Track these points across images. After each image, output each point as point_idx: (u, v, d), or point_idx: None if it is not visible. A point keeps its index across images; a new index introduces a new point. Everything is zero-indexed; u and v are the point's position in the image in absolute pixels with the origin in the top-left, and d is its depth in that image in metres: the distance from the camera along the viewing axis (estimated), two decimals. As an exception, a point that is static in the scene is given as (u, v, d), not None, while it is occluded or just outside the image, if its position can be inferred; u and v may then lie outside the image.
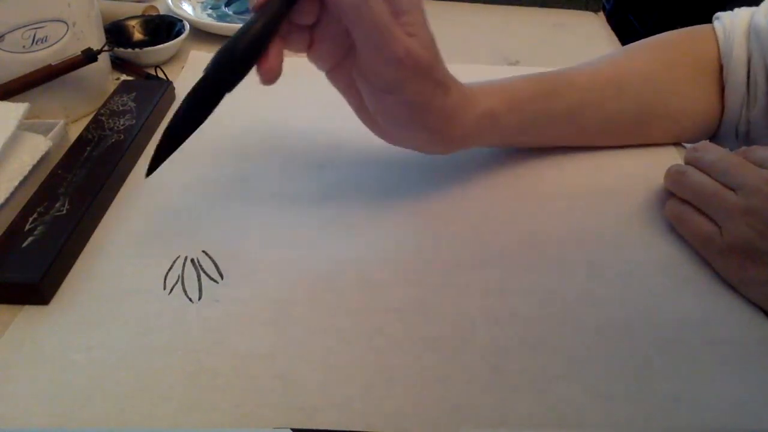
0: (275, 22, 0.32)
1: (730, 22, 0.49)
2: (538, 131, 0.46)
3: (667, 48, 0.50)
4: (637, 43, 0.51)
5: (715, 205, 0.37)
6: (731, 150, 0.39)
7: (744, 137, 0.50)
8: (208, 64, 0.32)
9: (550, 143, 0.48)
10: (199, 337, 0.33)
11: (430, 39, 0.36)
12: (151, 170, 0.34)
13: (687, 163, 0.41)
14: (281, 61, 0.33)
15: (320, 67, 0.37)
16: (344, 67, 0.37)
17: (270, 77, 0.33)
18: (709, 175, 0.38)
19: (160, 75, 0.59)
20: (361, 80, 0.37)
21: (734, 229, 0.36)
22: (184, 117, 0.33)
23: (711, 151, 0.39)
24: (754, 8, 0.49)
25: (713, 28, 0.50)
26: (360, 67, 0.36)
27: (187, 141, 0.50)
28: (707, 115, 0.50)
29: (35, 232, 0.37)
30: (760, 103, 0.47)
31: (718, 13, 0.51)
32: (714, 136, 0.51)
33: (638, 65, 0.48)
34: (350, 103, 0.39)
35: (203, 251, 0.38)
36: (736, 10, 0.50)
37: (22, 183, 0.40)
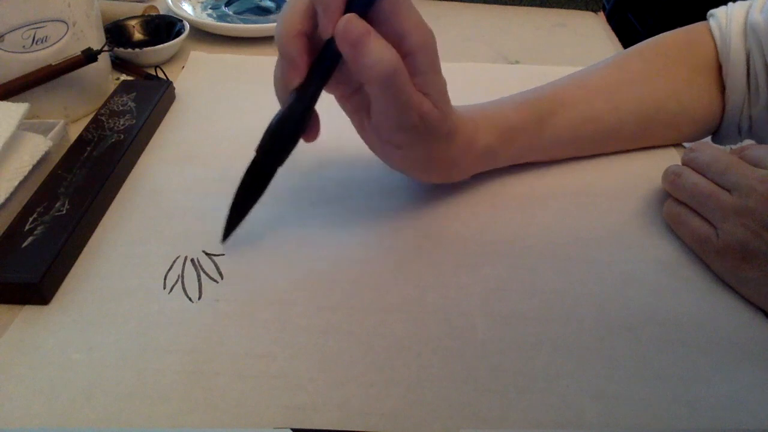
0: (315, 100, 0.34)
1: (725, 20, 0.48)
2: (537, 154, 0.46)
3: (661, 52, 0.49)
4: (630, 49, 0.50)
5: (710, 206, 0.37)
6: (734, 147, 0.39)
7: (747, 133, 0.50)
8: (259, 145, 0.35)
9: (553, 159, 0.47)
10: (199, 336, 0.33)
11: (442, 92, 0.35)
12: (225, 238, 0.38)
13: (683, 163, 0.41)
14: (319, 124, 0.36)
15: (330, 92, 0.37)
16: (353, 98, 0.36)
17: (313, 140, 0.36)
18: (705, 176, 0.38)
19: (160, 75, 0.59)
20: (370, 134, 0.37)
21: (729, 229, 0.36)
22: (245, 193, 0.37)
23: (706, 152, 0.39)
24: (748, 2, 0.48)
25: (708, 27, 0.49)
26: (373, 125, 0.36)
27: (186, 142, 0.50)
28: (708, 116, 0.49)
29: (35, 232, 0.37)
30: (762, 100, 0.47)
31: (712, 11, 0.50)
32: (716, 134, 0.51)
33: (633, 74, 0.47)
34: (355, 126, 0.38)
35: (203, 251, 0.38)
36: (730, 5, 0.49)
37: (22, 183, 0.40)
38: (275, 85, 0.35)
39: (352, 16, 0.30)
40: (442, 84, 0.35)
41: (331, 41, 0.32)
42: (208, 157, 0.47)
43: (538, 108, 0.44)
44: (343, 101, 0.37)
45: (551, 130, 0.44)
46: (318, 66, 0.33)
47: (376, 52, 0.30)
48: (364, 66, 0.31)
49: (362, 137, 0.38)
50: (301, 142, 0.36)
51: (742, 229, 0.35)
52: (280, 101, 0.35)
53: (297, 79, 0.33)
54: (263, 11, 0.73)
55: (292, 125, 0.34)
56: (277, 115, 0.35)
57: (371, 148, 0.39)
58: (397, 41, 0.32)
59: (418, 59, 0.33)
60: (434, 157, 0.38)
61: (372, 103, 0.34)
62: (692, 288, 0.37)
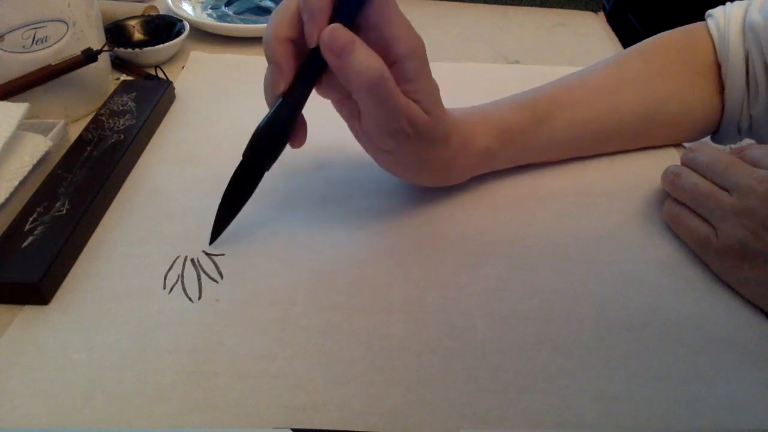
0: (300, 106, 0.34)
1: (723, 20, 0.48)
2: (536, 155, 0.46)
3: (661, 52, 0.49)
4: (630, 49, 0.50)
5: (709, 206, 0.37)
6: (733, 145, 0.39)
7: (747, 133, 0.50)
8: (246, 150, 0.36)
9: (553, 159, 0.47)
10: (199, 336, 0.33)
11: (434, 97, 0.35)
12: (213, 240, 0.39)
13: (683, 164, 0.41)
14: (306, 130, 0.36)
15: (324, 97, 0.37)
16: (346, 103, 0.36)
17: (300, 146, 0.36)
18: (704, 176, 0.38)
19: (160, 75, 0.59)
20: (362, 138, 0.37)
21: (729, 230, 0.36)
22: (232, 196, 0.38)
23: (706, 152, 0.39)
24: (746, 2, 0.48)
25: (707, 26, 0.49)
26: (363, 129, 0.36)
27: (186, 142, 0.51)
28: (707, 116, 0.49)
29: (35, 232, 0.37)
30: (761, 100, 0.47)
31: (710, 11, 0.50)
32: (716, 134, 0.51)
33: (633, 75, 0.47)
34: (351, 130, 0.38)
35: (203, 251, 0.38)
36: (728, 5, 0.49)
37: (22, 183, 0.40)
38: (264, 89, 0.35)
39: (337, 26, 0.30)
40: (432, 89, 0.35)
41: (317, 49, 0.32)
42: (208, 157, 0.47)
43: (538, 109, 0.44)
44: (338, 106, 0.37)
45: (550, 131, 0.44)
46: (304, 72, 0.33)
47: (360, 61, 0.31)
48: (349, 75, 0.31)
49: (358, 141, 0.38)
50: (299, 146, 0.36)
51: (741, 229, 0.35)
52: (268, 105, 0.35)
53: (282, 84, 0.33)
54: (263, 11, 0.73)
55: (278, 130, 0.35)
56: (263, 119, 0.35)
57: (367, 151, 0.39)
58: (385, 48, 0.32)
59: (406, 66, 0.33)
60: (427, 160, 0.38)
61: (361, 109, 0.34)
62: (692, 288, 0.37)
